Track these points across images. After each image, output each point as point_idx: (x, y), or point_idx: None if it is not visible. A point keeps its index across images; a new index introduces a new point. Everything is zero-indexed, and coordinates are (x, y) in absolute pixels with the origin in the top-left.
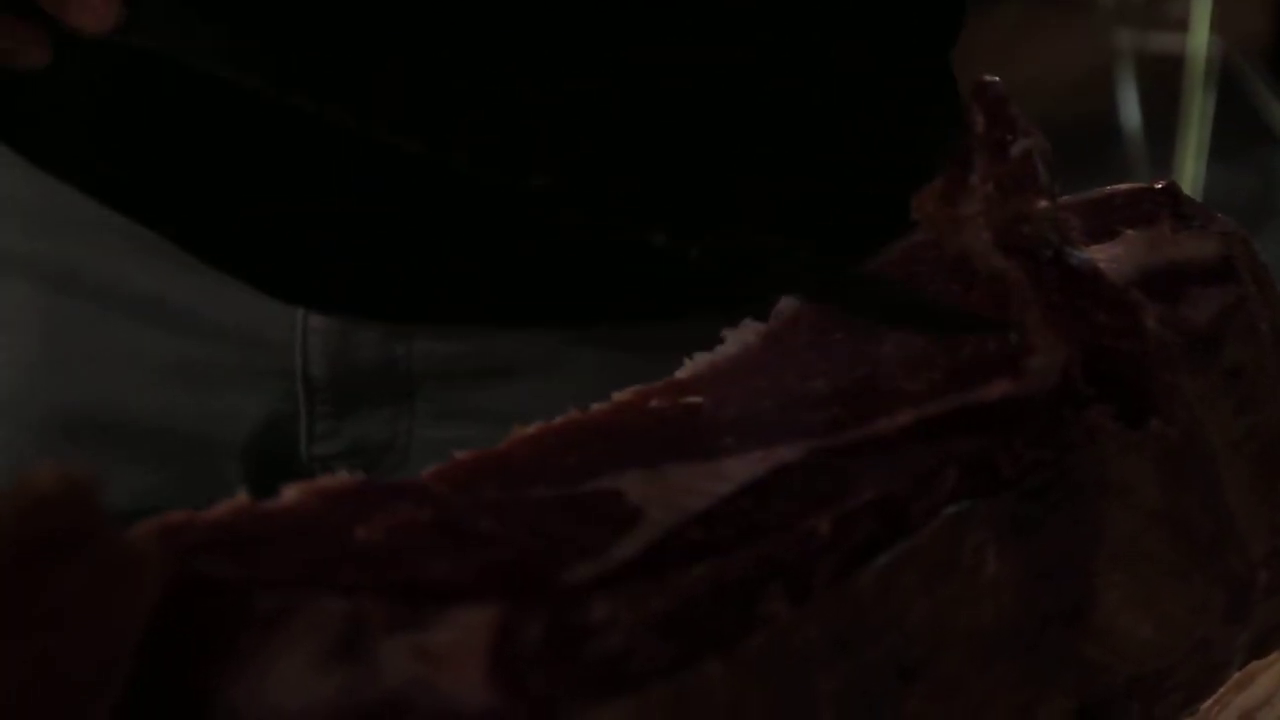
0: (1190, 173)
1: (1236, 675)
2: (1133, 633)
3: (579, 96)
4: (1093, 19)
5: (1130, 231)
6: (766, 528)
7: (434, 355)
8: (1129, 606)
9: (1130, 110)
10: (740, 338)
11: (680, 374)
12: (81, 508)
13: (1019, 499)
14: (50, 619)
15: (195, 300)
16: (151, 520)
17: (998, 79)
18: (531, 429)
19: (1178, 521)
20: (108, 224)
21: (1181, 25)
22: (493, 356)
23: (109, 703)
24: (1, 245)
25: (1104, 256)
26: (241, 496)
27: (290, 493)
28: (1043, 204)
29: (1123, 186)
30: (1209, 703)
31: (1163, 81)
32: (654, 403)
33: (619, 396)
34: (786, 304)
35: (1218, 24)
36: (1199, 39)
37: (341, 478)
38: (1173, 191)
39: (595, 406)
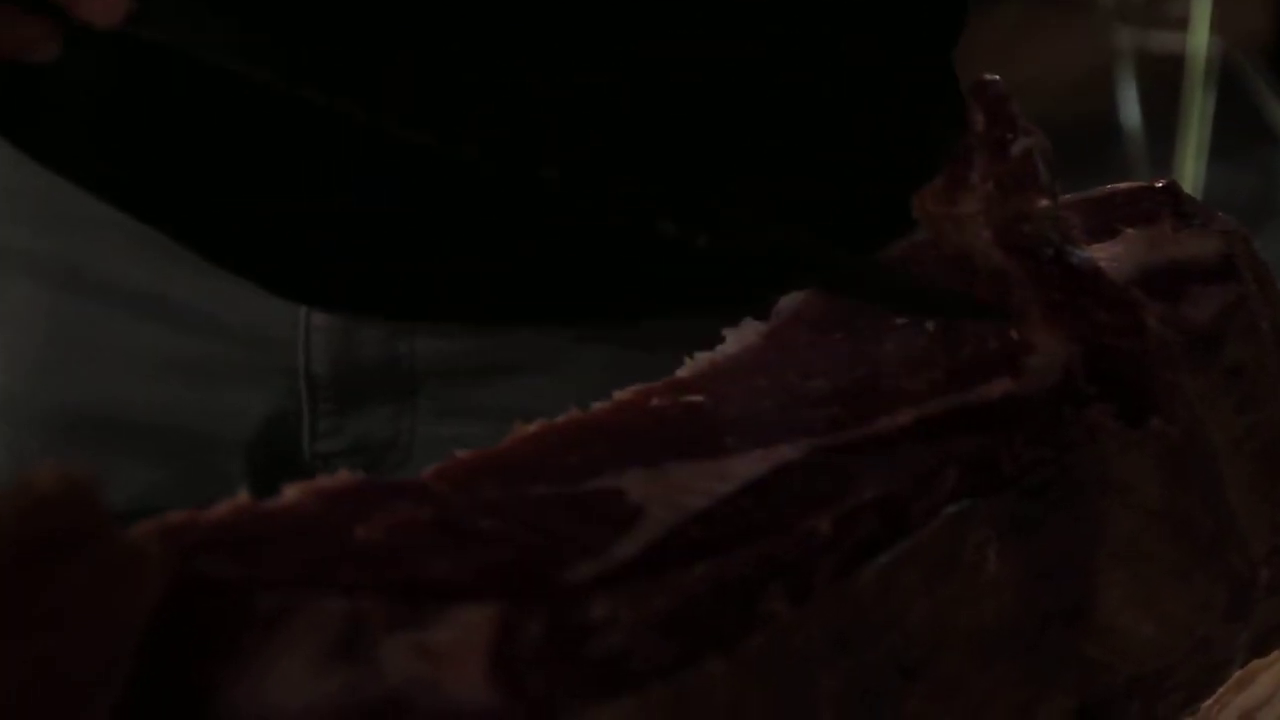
0: (1190, 172)
1: (1237, 674)
2: (1133, 632)
3: (588, 90)
4: (1093, 18)
5: (1131, 230)
6: (767, 527)
7: (436, 353)
8: (1130, 605)
9: (1130, 109)
10: (741, 337)
11: (681, 373)
12: (82, 507)
13: (1019, 498)
14: (51, 619)
15: (198, 298)
16: (152, 520)
17: (998, 78)
18: (532, 428)
19: (1179, 520)
20: (110, 221)
21: (1182, 24)
22: (495, 354)
23: (110, 703)
24: (4, 243)
25: (1105, 255)
26: (242, 496)
27: (290, 492)
28: (1043, 203)
29: (1123, 185)
30: (1209, 702)
31: (1163, 81)
32: (655, 401)
33: (620, 395)
34: (787, 303)
35: (1218, 23)
36: (1199, 38)
37: (341, 477)
38: (1173, 190)
39: (596, 405)
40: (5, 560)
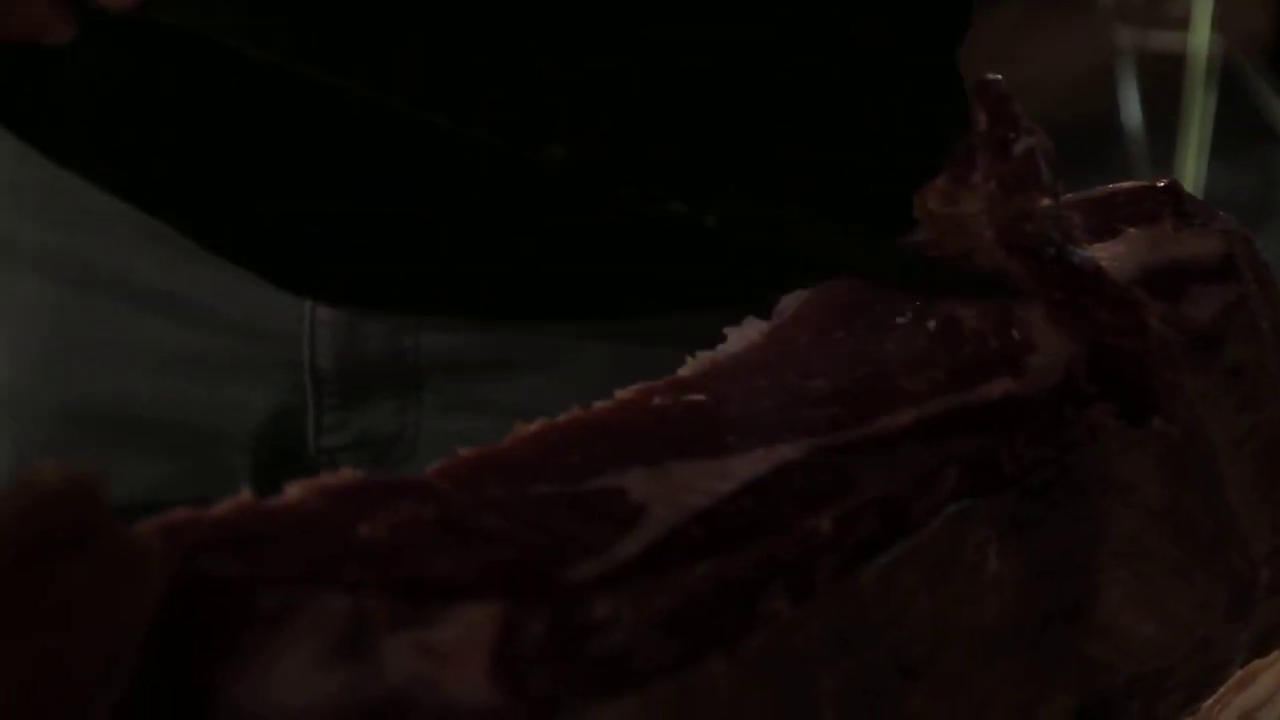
0: (1191, 171)
1: (1238, 674)
2: (1134, 631)
3: (597, 74)
4: (1093, 18)
5: (1132, 230)
6: (768, 526)
7: (441, 347)
8: (1131, 605)
9: (1131, 109)
10: (742, 336)
11: (683, 372)
12: (85, 504)
13: (1020, 497)
14: (54, 616)
15: (203, 292)
16: (155, 518)
17: (1000, 77)
18: (534, 426)
19: (1180, 519)
20: (116, 216)
21: (1182, 24)
22: (500, 349)
23: (112, 700)
24: (10, 237)
25: (1106, 255)
26: (245, 493)
27: (293, 490)
28: (1045, 202)
29: (1125, 185)
30: (1210, 701)
31: (1164, 80)
32: (657, 400)
33: (622, 394)
34: (788, 302)
35: (1219, 22)
36: (1200, 37)
37: (344, 475)
38: (1174, 190)
39: (598, 404)
40: (8, 558)
